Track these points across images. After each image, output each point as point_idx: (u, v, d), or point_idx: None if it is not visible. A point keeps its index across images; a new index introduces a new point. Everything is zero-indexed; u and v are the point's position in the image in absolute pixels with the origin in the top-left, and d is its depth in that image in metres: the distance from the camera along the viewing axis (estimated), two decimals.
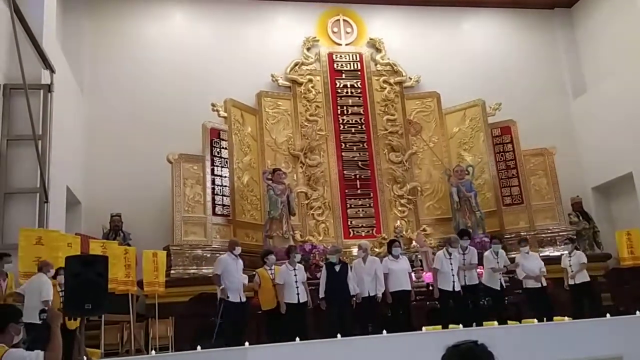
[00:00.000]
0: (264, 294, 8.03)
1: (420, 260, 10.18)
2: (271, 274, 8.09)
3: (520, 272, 8.69)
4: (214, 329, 7.41)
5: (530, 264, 8.66)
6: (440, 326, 7.08)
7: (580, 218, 12.07)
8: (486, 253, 8.83)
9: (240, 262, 8.08)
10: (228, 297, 7.59)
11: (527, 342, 5.99)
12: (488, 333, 6.22)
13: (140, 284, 8.59)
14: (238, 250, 8.05)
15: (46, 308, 3.74)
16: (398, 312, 8.10)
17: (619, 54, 12.49)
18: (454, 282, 8.10)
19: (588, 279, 8.83)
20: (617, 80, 12.34)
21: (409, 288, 8.23)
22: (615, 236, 10.44)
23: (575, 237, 10.61)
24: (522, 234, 11.22)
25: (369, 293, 8.03)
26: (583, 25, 13.91)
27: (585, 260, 8.97)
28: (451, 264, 8.18)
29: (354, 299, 8.02)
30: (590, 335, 6.14)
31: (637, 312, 6.76)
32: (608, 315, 6.70)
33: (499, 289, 8.51)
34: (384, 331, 6.10)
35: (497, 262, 8.56)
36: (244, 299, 7.85)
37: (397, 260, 8.25)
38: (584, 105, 13.42)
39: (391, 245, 8.51)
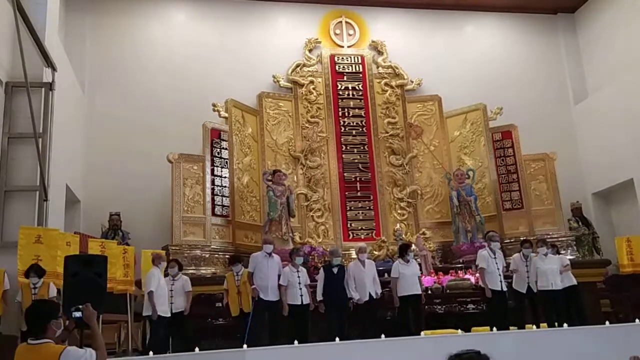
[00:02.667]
0: (230, 300, 7.99)
1: (420, 264, 10.15)
2: (237, 280, 7.99)
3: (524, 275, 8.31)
4: (245, 329, 7.40)
5: (547, 266, 8.19)
6: (441, 330, 7.08)
7: (580, 223, 12.07)
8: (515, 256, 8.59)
9: (276, 259, 8.01)
10: (259, 296, 7.60)
11: (524, 350, 5.97)
12: (487, 339, 6.21)
13: (138, 283, 8.57)
14: (269, 248, 7.99)
15: (80, 307, 3.70)
16: (408, 316, 7.95)
17: (621, 60, 12.49)
18: (501, 281, 7.88)
19: (575, 282, 8.47)
20: (619, 87, 12.34)
21: (420, 292, 8.16)
22: (615, 242, 10.41)
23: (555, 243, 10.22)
24: (522, 238, 11.20)
25: (370, 296, 7.99)
26: (585, 30, 13.92)
27: (567, 262, 8.76)
28: (496, 263, 7.97)
29: (352, 301, 7.99)
30: (588, 342, 6.12)
31: (637, 320, 6.76)
32: (607, 322, 6.69)
33: (524, 292, 8.17)
34: (383, 335, 6.09)
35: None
36: (276, 298, 7.75)
37: (408, 264, 8.18)
38: (585, 110, 13.42)
39: (404, 249, 8.35)
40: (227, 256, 10.06)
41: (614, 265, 10.97)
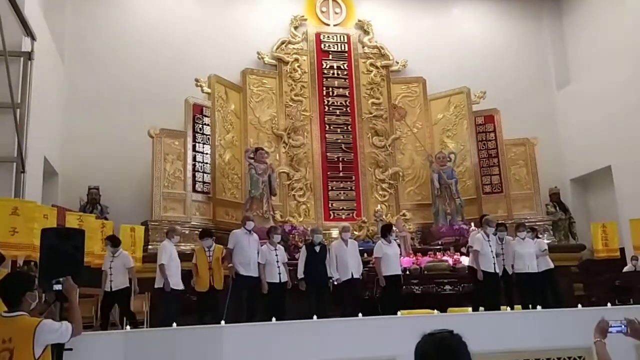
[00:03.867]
0: (200, 275, 7.87)
1: (399, 245, 10.24)
2: (209, 256, 7.92)
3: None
4: (225, 304, 7.43)
5: (524, 249, 8.39)
6: (417, 310, 7.18)
7: (557, 209, 12.25)
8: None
9: (255, 236, 8.10)
10: (238, 272, 7.67)
11: (498, 330, 6.08)
12: (463, 319, 6.31)
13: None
14: (250, 225, 8.06)
15: (61, 279, 3.66)
16: (392, 295, 8.01)
17: (605, 47, 12.56)
18: (494, 263, 7.99)
19: (552, 266, 8.67)
20: (601, 74, 12.43)
21: (400, 272, 8.27)
22: (591, 228, 10.61)
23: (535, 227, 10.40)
24: (500, 222, 11.38)
25: (352, 275, 8.04)
26: (570, 16, 13.96)
27: (545, 247, 8.95)
28: (490, 245, 8.08)
29: (332, 281, 8.05)
30: (561, 324, 6.25)
31: (609, 303, 6.93)
32: (579, 305, 6.84)
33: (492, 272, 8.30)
34: (360, 314, 6.16)
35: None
36: (256, 274, 7.81)
37: (390, 244, 8.25)
38: (567, 97, 13.54)
39: (387, 229, 8.41)
40: None
41: (588, 250, 11.21)
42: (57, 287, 3.63)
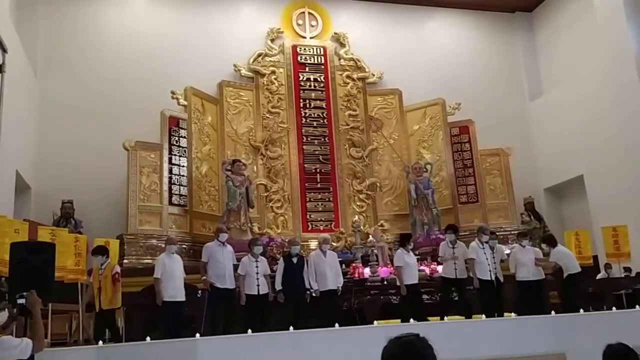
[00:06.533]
0: (94, 294, 7.43)
1: (377, 255, 10.27)
2: (100, 274, 7.34)
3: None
4: (201, 319, 7.31)
5: (526, 257, 8.46)
6: (394, 320, 7.17)
7: (532, 217, 12.42)
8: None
9: (229, 248, 8.00)
10: (214, 284, 7.54)
11: (472, 337, 6.12)
12: (438, 327, 6.34)
13: (90, 272, 8.37)
14: (224, 237, 7.97)
15: (25, 293, 3.57)
16: (414, 303, 7.99)
17: (576, 59, 12.87)
18: (490, 271, 8.09)
19: (543, 275, 8.76)
20: (573, 85, 12.72)
21: (417, 282, 8.29)
22: (564, 236, 10.76)
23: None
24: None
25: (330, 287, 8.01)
26: (542, 29, 14.28)
27: (541, 255, 9.03)
28: (485, 253, 8.17)
29: (309, 292, 8.02)
30: (534, 332, 6.32)
31: (581, 310, 7.03)
32: (553, 312, 6.92)
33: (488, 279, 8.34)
34: (336, 324, 6.15)
35: (485, 254, 8.31)
36: (232, 286, 7.72)
37: (409, 253, 8.28)
38: (539, 108, 13.80)
39: (406, 239, 8.46)
40: (184, 246, 9.96)
41: None
42: (21, 301, 3.55)
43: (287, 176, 11.94)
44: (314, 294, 8.00)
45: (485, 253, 8.19)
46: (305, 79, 12.52)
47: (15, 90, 8.91)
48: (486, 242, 8.34)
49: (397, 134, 12.72)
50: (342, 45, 12.98)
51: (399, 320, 6.60)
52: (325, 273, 8.04)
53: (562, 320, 6.70)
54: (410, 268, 8.15)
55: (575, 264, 8.67)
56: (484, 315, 7.35)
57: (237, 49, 12.33)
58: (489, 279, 8.07)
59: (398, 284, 8.16)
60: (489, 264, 8.13)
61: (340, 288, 8.20)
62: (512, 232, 11.47)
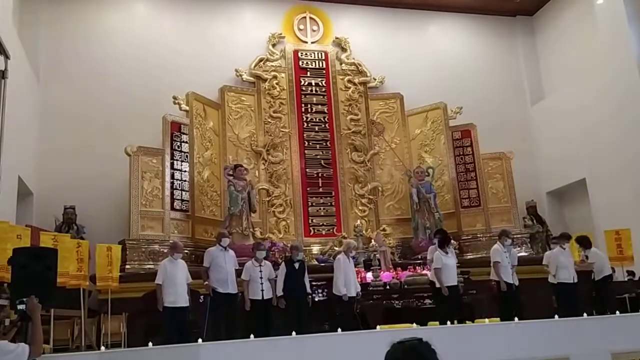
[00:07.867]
0: None
1: (379, 260, 10.26)
2: None
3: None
4: (204, 324, 7.29)
5: (568, 259, 8.60)
6: (397, 325, 7.14)
7: (534, 221, 12.42)
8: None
9: (231, 253, 8.00)
10: (216, 289, 7.55)
11: (476, 342, 6.10)
12: (442, 332, 6.32)
13: (93, 278, 8.38)
14: (226, 242, 7.97)
15: (25, 299, 3.57)
16: (454, 305, 7.98)
17: (577, 63, 12.87)
18: (512, 274, 8.18)
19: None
20: (574, 89, 12.72)
21: (457, 283, 8.27)
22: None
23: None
24: (479, 235, 11.55)
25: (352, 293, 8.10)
26: (543, 33, 14.29)
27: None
28: (507, 257, 8.23)
29: (311, 296, 8.03)
30: (538, 335, 6.29)
31: (585, 314, 7.00)
32: (556, 316, 6.90)
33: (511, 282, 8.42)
34: (339, 329, 6.13)
35: (507, 258, 8.42)
36: (235, 291, 7.73)
37: (447, 255, 8.26)
38: (541, 111, 13.79)
39: (445, 240, 8.40)
40: (186, 251, 9.94)
41: None
42: (21, 307, 3.56)
43: (289, 181, 11.93)
44: (344, 299, 7.98)
45: (507, 257, 8.29)
46: (306, 83, 12.53)
47: (18, 96, 8.93)
48: (510, 246, 8.44)
49: (399, 138, 12.71)
50: (344, 49, 13.00)
51: (413, 325, 6.54)
52: (351, 279, 8.13)
53: (566, 324, 6.67)
54: (449, 269, 8.11)
55: (608, 266, 8.77)
56: (487, 320, 7.30)
57: (239, 54, 12.35)
58: (512, 282, 8.18)
59: (437, 285, 8.04)
60: (510, 268, 8.25)
61: (360, 293, 8.28)
62: (515, 236, 11.43)
